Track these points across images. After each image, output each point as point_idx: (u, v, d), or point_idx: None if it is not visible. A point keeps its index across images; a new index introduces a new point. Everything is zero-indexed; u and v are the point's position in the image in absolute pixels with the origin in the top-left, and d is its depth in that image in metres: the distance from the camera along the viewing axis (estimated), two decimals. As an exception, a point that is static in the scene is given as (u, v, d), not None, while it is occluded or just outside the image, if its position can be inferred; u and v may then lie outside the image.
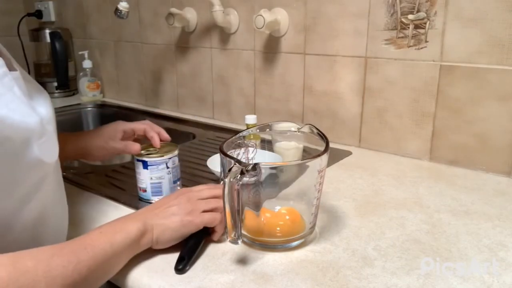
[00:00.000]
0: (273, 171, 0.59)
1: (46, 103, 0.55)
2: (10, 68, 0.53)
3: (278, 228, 0.62)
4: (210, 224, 0.61)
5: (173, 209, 0.59)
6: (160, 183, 0.76)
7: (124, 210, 0.74)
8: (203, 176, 0.91)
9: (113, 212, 0.74)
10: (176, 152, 0.78)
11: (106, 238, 0.52)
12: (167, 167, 0.77)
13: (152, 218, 0.58)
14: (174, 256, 0.59)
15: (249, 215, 0.62)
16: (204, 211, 0.61)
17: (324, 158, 0.58)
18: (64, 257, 0.46)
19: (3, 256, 0.43)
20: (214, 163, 0.86)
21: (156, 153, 0.76)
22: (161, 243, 0.59)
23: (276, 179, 0.60)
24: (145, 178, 0.76)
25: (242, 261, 0.59)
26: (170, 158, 0.76)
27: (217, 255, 0.60)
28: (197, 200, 0.61)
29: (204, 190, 0.63)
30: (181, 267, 0.56)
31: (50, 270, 0.44)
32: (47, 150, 0.50)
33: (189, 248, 0.59)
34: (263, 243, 0.62)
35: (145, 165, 0.75)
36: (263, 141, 0.77)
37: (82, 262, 0.47)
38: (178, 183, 0.80)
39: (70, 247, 0.49)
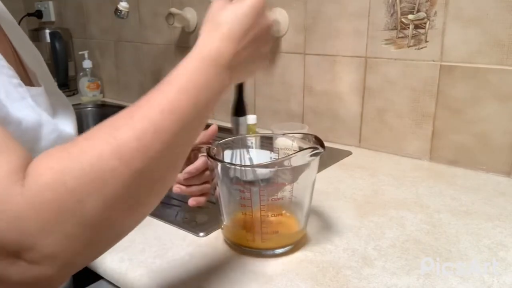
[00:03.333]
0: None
1: (70, 121, 0.56)
2: (34, 83, 0.54)
3: (271, 234, 0.60)
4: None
5: (258, 57, 0.49)
6: None
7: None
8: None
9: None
10: None
11: (187, 98, 0.41)
12: None
13: (238, 67, 0.46)
14: (174, 256, 0.59)
15: (239, 221, 0.61)
16: None
17: (303, 156, 0.57)
18: (136, 125, 0.37)
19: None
20: None
21: None
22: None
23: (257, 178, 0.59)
24: None
25: (242, 261, 0.59)
26: None
27: (217, 255, 0.60)
28: (269, 36, 0.50)
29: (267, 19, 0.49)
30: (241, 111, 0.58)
31: (120, 144, 0.36)
32: None
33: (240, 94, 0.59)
34: (254, 248, 0.60)
35: None
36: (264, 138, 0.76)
37: (161, 129, 0.38)
38: None
39: (142, 112, 0.39)
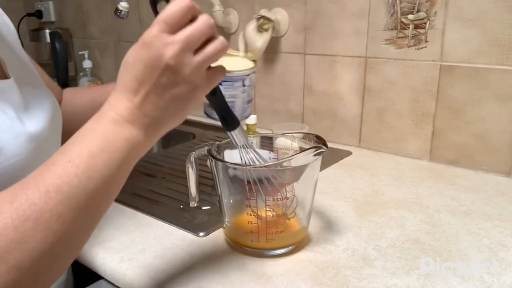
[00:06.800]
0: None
1: (43, 114, 0.50)
2: (2, 76, 0.49)
3: (276, 234, 0.60)
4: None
5: (178, 99, 0.41)
6: (233, 102, 0.64)
7: (123, 210, 0.74)
8: (204, 176, 0.91)
9: (112, 212, 0.74)
10: (254, 68, 0.64)
11: (82, 169, 0.35)
12: (243, 85, 0.64)
13: (151, 117, 0.40)
14: (174, 256, 0.59)
15: (243, 221, 0.61)
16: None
17: (304, 156, 0.56)
18: (17, 212, 0.33)
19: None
20: None
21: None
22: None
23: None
24: None
25: (242, 261, 0.59)
26: (247, 75, 0.63)
27: (217, 255, 0.60)
28: (197, 68, 0.40)
29: (187, 35, 0.40)
30: (230, 125, 0.51)
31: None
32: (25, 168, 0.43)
33: (221, 107, 0.51)
34: (258, 249, 0.60)
35: None
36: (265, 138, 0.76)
37: (45, 214, 0.33)
38: (251, 103, 0.68)
39: (26, 193, 0.34)
